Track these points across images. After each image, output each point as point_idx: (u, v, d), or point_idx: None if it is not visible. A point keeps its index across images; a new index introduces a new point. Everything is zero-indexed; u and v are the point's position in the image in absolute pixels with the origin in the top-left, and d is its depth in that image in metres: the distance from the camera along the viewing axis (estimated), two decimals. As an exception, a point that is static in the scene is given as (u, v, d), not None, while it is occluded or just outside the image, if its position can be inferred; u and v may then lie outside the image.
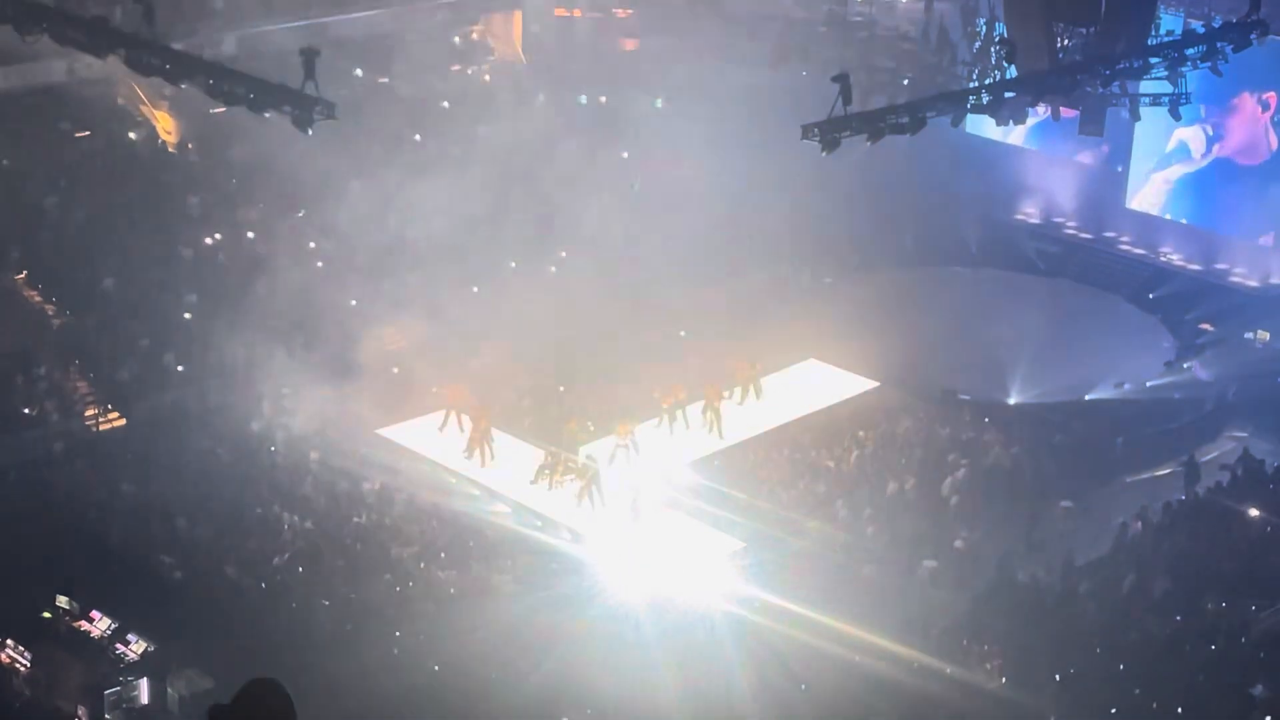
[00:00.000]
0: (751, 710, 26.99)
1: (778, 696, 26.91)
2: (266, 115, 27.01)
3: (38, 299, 40.04)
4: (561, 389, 40.33)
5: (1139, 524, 33.94)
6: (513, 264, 43.98)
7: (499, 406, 38.78)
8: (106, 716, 26.89)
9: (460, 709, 26.62)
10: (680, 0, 52.82)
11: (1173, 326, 47.84)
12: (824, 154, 28.28)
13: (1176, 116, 34.68)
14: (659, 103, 50.53)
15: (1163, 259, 50.80)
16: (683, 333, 43.84)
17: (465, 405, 38.01)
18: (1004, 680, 27.32)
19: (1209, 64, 32.65)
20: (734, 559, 33.83)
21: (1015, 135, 49.50)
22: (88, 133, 44.14)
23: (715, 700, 27.16)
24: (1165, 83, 33.36)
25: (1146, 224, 51.22)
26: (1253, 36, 32.84)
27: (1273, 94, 47.29)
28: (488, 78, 52.83)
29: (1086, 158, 51.87)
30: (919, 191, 50.34)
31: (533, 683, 27.62)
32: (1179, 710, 25.92)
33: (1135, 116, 36.10)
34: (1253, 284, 48.26)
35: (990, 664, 27.58)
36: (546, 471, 36.35)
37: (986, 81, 35.82)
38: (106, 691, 27.04)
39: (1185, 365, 44.62)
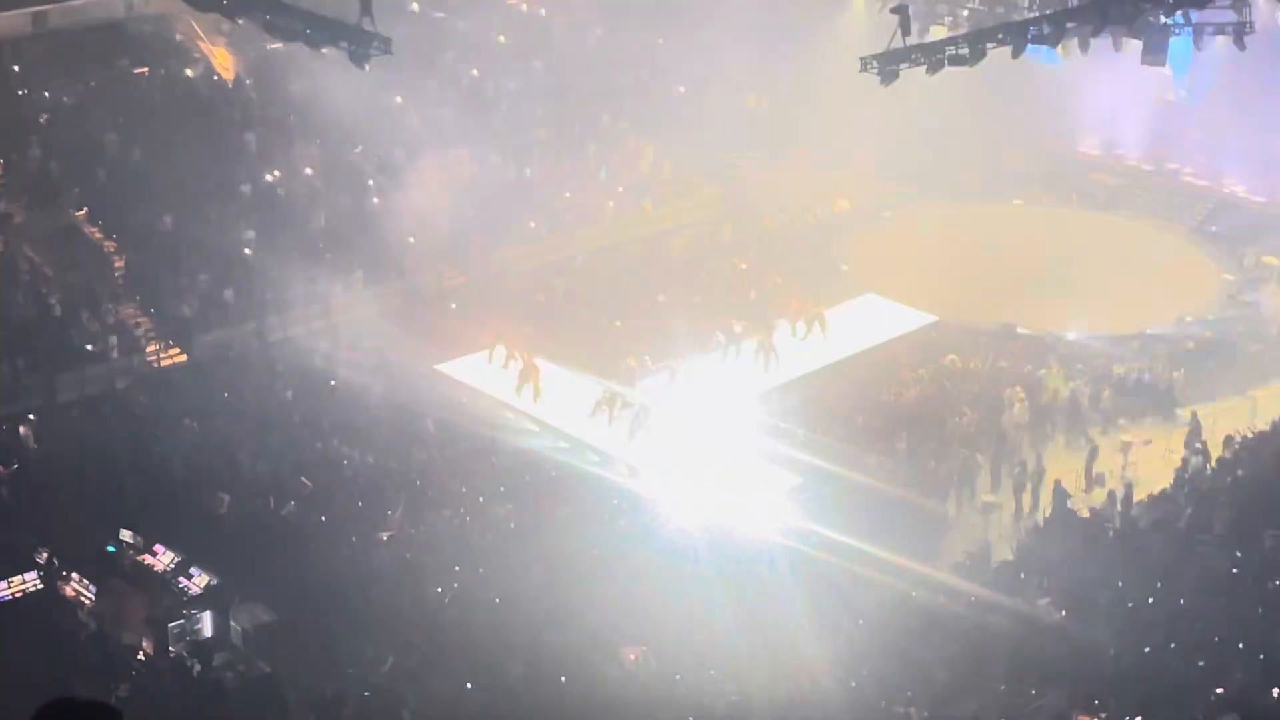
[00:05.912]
0: (810, 643, 27.02)
1: (835, 629, 26.92)
2: (323, 51, 26.96)
3: (98, 236, 40.27)
4: (618, 324, 40.33)
5: (1199, 458, 33.70)
6: (568, 194, 43.87)
7: (556, 342, 38.82)
8: (170, 649, 27.16)
9: (521, 641, 26.75)
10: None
11: (1234, 260, 47.29)
12: (882, 86, 28.14)
13: (1241, 46, 34.13)
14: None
15: (1226, 191, 50.18)
16: (744, 265, 43.75)
17: (514, 341, 38.10)
18: (1063, 614, 27.23)
19: (1275, -8, 32.10)
20: (793, 493, 33.86)
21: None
22: (146, 69, 44.26)
23: (773, 633, 27.18)
24: (1230, 11, 32.82)
25: (1209, 156, 50.55)
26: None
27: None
28: (544, 12, 52.61)
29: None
30: (978, 124, 49.85)
31: (591, 616, 27.74)
32: (1239, 645, 25.77)
33: (1199, 46, 35.56)
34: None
35: (1049, 597, 27.49)
36: (604, 406, 36.44)
37: (1047, 11, 35.36)
38: (170, 624, 27.27)
39: (1246, 300, 44.11)
